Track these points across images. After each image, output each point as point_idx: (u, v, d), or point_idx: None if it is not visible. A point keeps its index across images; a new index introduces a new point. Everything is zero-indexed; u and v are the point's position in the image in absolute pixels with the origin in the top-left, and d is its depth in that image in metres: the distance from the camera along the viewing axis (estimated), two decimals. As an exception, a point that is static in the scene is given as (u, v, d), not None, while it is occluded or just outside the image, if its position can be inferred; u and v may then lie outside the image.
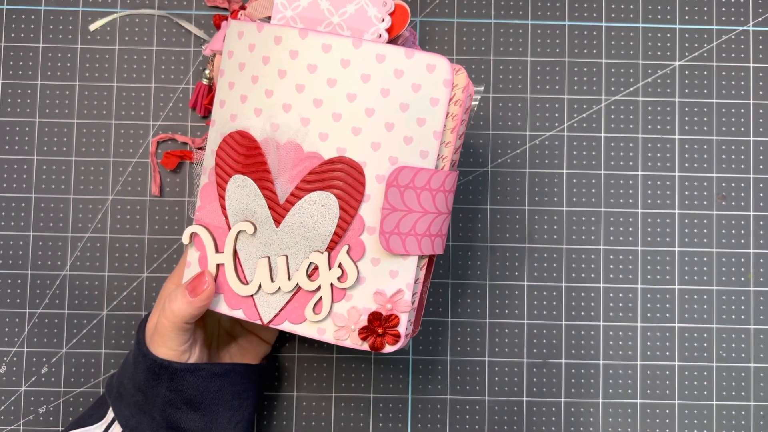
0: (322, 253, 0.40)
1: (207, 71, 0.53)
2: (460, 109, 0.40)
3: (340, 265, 0.40)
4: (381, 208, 0.40)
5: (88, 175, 0.54)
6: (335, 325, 0.41)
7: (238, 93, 0.41)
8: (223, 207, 0.42)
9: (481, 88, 0.43)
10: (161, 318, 0.42)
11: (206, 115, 0.54)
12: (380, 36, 0.41)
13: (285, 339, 0.54)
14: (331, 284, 0.40)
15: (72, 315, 0.54)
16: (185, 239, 0.43)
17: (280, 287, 0.41)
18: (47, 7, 0.55)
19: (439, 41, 0.55)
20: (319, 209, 0.40)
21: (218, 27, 0.54)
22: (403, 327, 0.41)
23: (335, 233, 0.40)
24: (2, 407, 0.53)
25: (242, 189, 0.41)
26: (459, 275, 0.54)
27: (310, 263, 0.41)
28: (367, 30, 0.41)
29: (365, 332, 0.41)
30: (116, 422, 0.45)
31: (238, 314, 0.42)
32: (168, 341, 0.43)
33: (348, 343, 0.41)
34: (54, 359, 0.54)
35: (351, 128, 0.39)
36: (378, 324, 0.41)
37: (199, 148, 0.54)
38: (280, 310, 0.42)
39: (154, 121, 0.55)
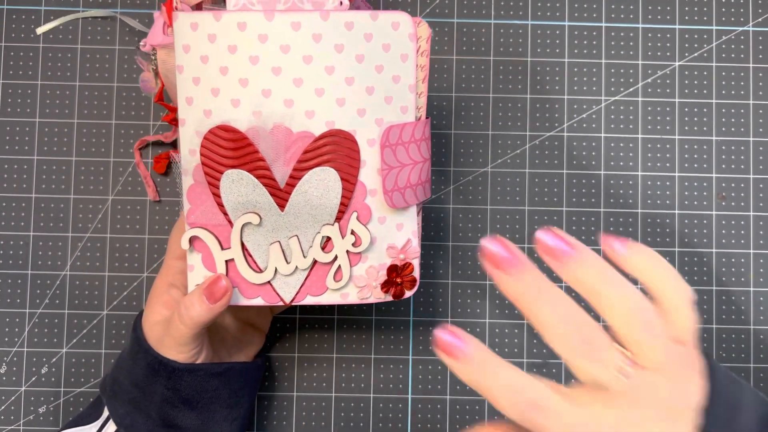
0: (333, 224, 0.41)
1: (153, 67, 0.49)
2: (426, 59, 0.42)
3: (352, 232, 0.42)
4: (379, 170, 0.41)
5: (88, 175, 0.54)
6: (357, 287, 0.43)
7: (208, 87, 0.40)
8: (219, 204, 0.42)
9: (431, 31, 0.44)
10: (178, 325, 0.42)
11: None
12: (342, 3, 0.41)
13: (285, 339, 0.54)
14: (347, 251, 0.42)
15: (72, 315, 0.54)
16: (185, 245, 0.42)
17: (297, 266, 0.42)
18: (47, 7, 0.55)
19: (439, 41, 0.55)
20: (322, 184, 0.41)
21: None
22: (417, 271, 0.43)
23: (341, 203, 0.41)
24: (2, 407, 0.53)
25: (238, 183, 0.41)
26: (459, 275, 0.54)
27: (323, 237, 0.42)
28: (325, 0, 0.41)
29: (386, 286, 0.43)
30: (110, 421, 0.45)
31: (257, 302, 0.43)
32: (183, 347, 0.43)
33: (372, 300, 0.43)
34: (54, 359, 0.54)
35: (335, 100, 0.40)
36: (395, 275, 0.43)
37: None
38: (300, 287, 0.42)
39: (153, 121, 0.55)
